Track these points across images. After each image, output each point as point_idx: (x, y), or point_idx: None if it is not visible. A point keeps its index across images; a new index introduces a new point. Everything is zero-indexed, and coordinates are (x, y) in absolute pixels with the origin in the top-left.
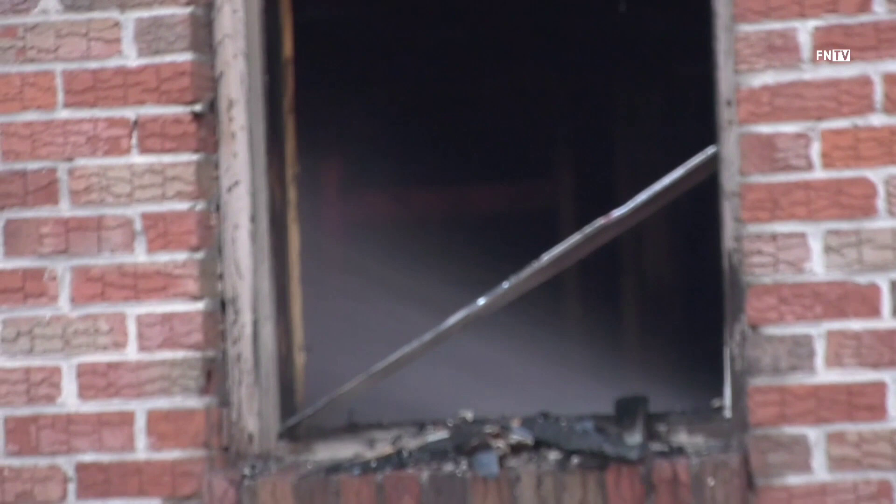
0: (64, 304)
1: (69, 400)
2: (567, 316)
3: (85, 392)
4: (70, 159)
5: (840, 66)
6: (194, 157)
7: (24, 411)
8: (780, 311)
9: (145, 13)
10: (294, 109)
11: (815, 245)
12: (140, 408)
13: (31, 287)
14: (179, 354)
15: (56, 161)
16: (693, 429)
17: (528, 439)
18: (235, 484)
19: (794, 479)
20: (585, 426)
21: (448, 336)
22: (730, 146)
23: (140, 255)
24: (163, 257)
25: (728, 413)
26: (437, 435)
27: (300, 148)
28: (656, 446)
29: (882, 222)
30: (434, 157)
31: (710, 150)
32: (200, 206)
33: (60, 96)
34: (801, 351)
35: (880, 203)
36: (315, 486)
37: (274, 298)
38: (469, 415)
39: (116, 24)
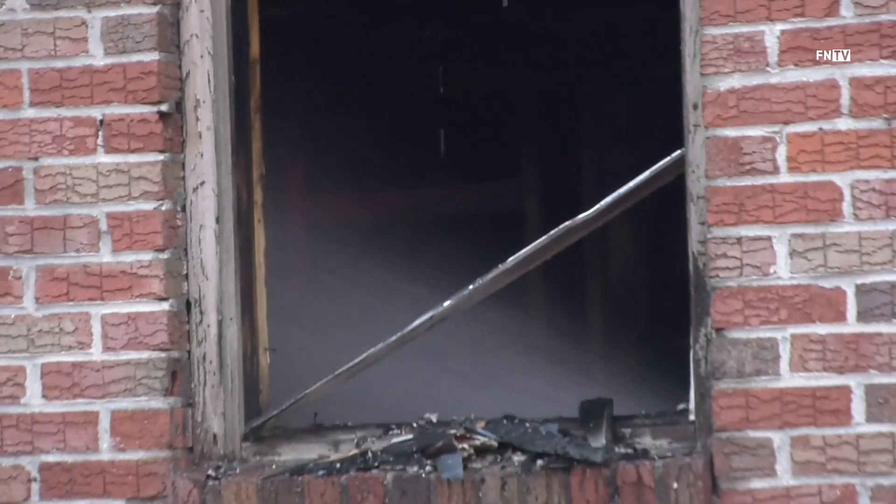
0: (28, 304)
1: (33, 400)
2: (532, 318)
3: (49, 392)
4: (36, 158)
5: (807, 69)
6: (160, 156)
7: None
8: (745, 315)
9: (112, 12)
10: (261, 109)
11: (781, 249)
12: (104, 408)
13: None
14: (144, 355)
15: (21, 160)
16: (658, 432)
17: (492, 441)
18: (200, 485)
19: (758, 483)
20: (550, 429)
21: (413, 337)
22: (696, 149)
23: (105, 255)
24: (128, 257)
25: (693, 416)
26: (401, 437)
27: (266, 148)
28: (621, 449)
29: (848, 226)
30: (400, 157)
31: (676, 153)
32: (166, 206)
33: (26, 95)
34: (765, 355)
35: (846, 207)
36: (279, 487)
37: (239, 299)
38: (434, 417)
39: (83, 23)
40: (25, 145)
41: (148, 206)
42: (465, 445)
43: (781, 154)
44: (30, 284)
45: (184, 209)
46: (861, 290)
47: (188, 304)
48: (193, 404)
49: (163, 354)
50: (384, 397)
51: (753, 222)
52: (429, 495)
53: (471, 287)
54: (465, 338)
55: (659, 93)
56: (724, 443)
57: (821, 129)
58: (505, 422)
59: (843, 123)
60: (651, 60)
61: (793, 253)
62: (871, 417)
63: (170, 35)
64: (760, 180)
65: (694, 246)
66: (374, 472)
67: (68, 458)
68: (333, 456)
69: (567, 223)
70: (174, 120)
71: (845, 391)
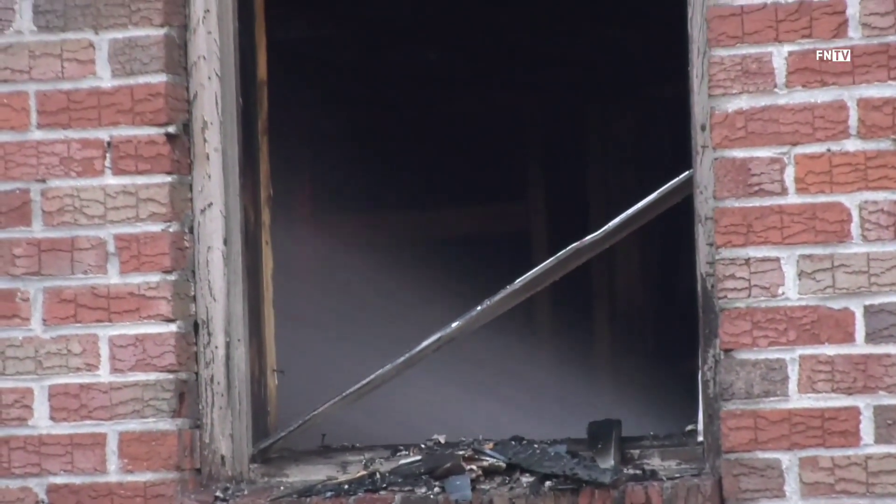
0: (36, 326)
1: (41, 422)
2: (540, 339)
3: (57, 414)
4: (43, 180)
5: (815, 90)
6: (168, 178)
7: None
8: (754, 336)
9: (119, 34)
10: (268, 131)
11: (789, 270)
12: (112, 430)
13: (2, 308)
14: (152, 376)
15: (29, 182)
16: (666, 453)
17: (501, 463)
18: None
19: None
20: (558, 450)
21: (421, 359)
22: (704, 170)
23: (113, 277)
24: (136, 279)
25: (701, 437)
26: (409, 458)
27: (274, 170)
28: (629, 470)
29: (856, 248)
30: (407, 179)
31: (684, 174)
32: (174, 227)
33: (34, 117)
34: (774, 376)
35: (854, 228)
36: None
37: (247, 321)
38: (442, 438)
39: (90, 45)
40: (33, 167)
41: (156, 227)
42: (474, 467)
43: (789, 175)
44: (37, 306)
45: (191, 231)
46: (869, 312)
47: (196, 326)
48: (201, 426)
49: (170, 376)
50: (392, 418)
51: (762, 243)
52: None
53: (478, 308)
54: (473, 359)
55: (666, 114)
56: (732, 464)
57: (829, 150)
58: (513, 443)
59: (852, 144)
60: (658, 82)
61: (801, 274)
62: (879, 438)
63: (177, 57)
64: (768, 201)
65: (702, 267)
66: (383, 493)
67: (76, 480)
68: (341, 477)
69: (574, 244)
70: (182, 142)
71: (854, 412)
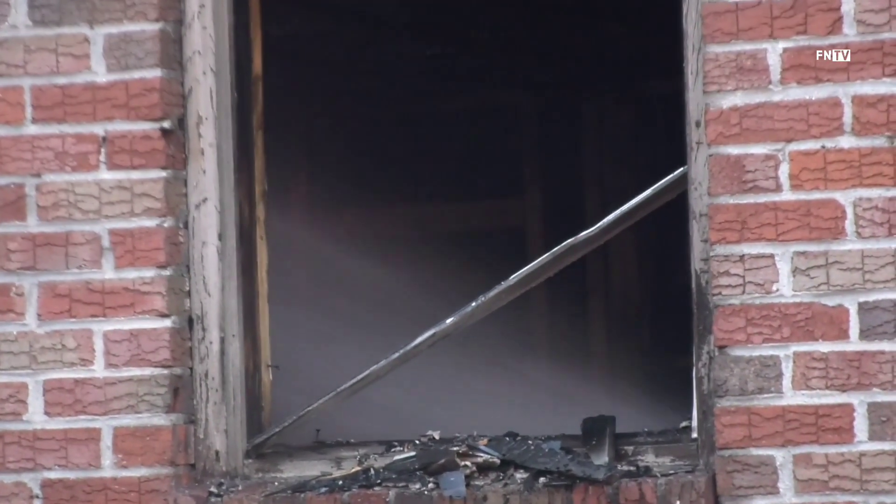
0: (31, 321)
1: (35, 416)
2: (534, 335)
3: (51, 409)
4: (38, 175)
5: (809, 87)
6: (163, 173)
7: None
8: (748, 333)
9: (115, 29)
10: (263, 126)
11: (783, 267)
12: (106, 425)
13: None
14: (146, 371)
15: (24, 176)
16: (660, 449)
17: (495, 459)
18: (202, 501)
19: (761, 502)
20: (552, 446)
21: (415, 354)
22: (698, 167)
23: (108, 272)
24: (130, 274)
25: (695, 434)
26: (404, 454)
27: (269, 165)
28: (623, 467)
29: (850, 244)
30: (402, 175)
31: (678, 171)
32: (169, 222)
33: (29, 111)
34: (768, 373)
35: (848, 225)
36: None
37: (241, 316)
38: (436, 434)
39: (86, 40)
40: (27, 162)
41: (150, 222)
42: (468, 463)
43: (784, 172)
44: (32, 301)
45: (186, 226)
46: (864, 308)
47: (190, 321)
48: (195, 421)
49: (165, 371)
50: (386, 414)
51: (756, 240)
52: None
53: (473, 304)
54: (467, 355)
55: (661, 110)
56: (726, 460)
57: (823, 146)
58: (507, 439)
59: (846, 141)
60: (654, 78)
61: (795, 271)
62: (873, 435)
63: (172, 52)
64: (763, 198)
65: (696, 264)
66: (377, 489)
67: (70, 475)
68: (336, 473)
69: (570, 240)
70: (176, 137)
71: (848, 409)
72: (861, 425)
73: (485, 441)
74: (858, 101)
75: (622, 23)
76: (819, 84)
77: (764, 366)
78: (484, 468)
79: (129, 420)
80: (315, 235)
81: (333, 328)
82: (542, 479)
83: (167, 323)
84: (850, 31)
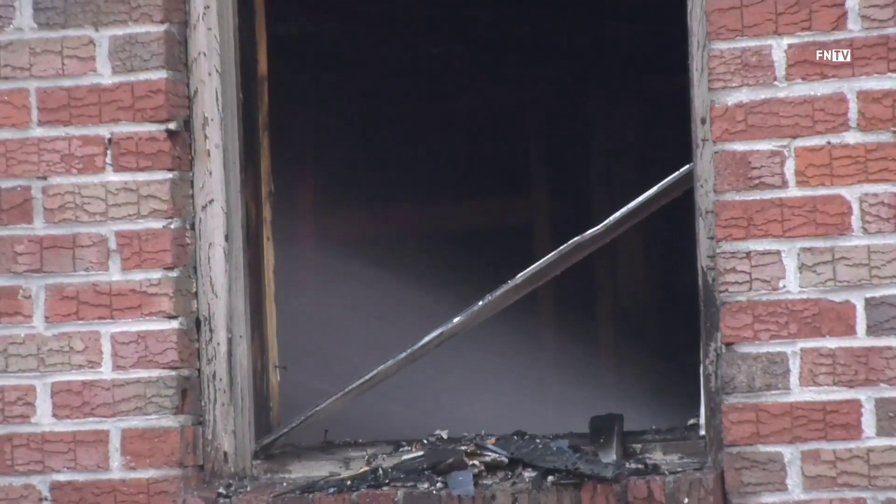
0: (38, 323)
1: (44, 419)
2: (542, 333)
3: (59, 411)
4: (44, 177)
5: (815, 83)
6: (169, 175)
7: None
8: (755, 330)
9: (120, 31)
10: (269, 127)
11: (790, 263)
12: (115, 427)
13: (4, 305)
14: (154, 373)
15: (30, 179)
16: (668, 447)
17: (503, 457)
18: (211, 503)
19: (769, 498)
20: (560, 444)
21: (423, 354)
22: (704, 163)
23: (115, 274)
24: (137, 276)
25: (703, 431)
26: (412, 453)
27: (275, 165)
28: (631, 464)
29: (857, 240)
30: (409, 173)
31: (684, 168)
32: (175, 224)
33: (34, 114)
34: (775, 369)
35: (855, 221)
36: None
37: (249, 317)
38: (444, 433)
39: (91, 42)
40: (34, 164)
41: (157, 224)
42: (476, 462)
43: (790, 168)
44: (39, 303)
45: (193, 227)
46: (871, 304)
47: (198, 322)
48: (204, 422)
49: (173, 373)
50: (394, 414)
51: (762, 236)
52: None
53: (480, 303)
54: (475, 354)
55: (667, 107)
56: (734, 457)
57: (829, 142)
58: (515, 438)
59: (852, 137)
60: (659, 75)
61: (802, 267)
62: (881, 431)
63: (177, 53)
64: (769, 194)
65: (703, 261)
66: (385, 489)
67: (79, 478)
68: (344, 473)
69: (576, 238)
70: (182, 138)
71: (855, 405)
72: (869, 421)
73: (493, 440)
74: (864, 96)
75: (628, 20)
76: (824, 80)
77: (771, 362)
78: (492, 467)
79: (137, 422)
80: (321, 235)
81: (340, 328)
82: (550, 478)
83: (174, 324)
84: (854, 27)
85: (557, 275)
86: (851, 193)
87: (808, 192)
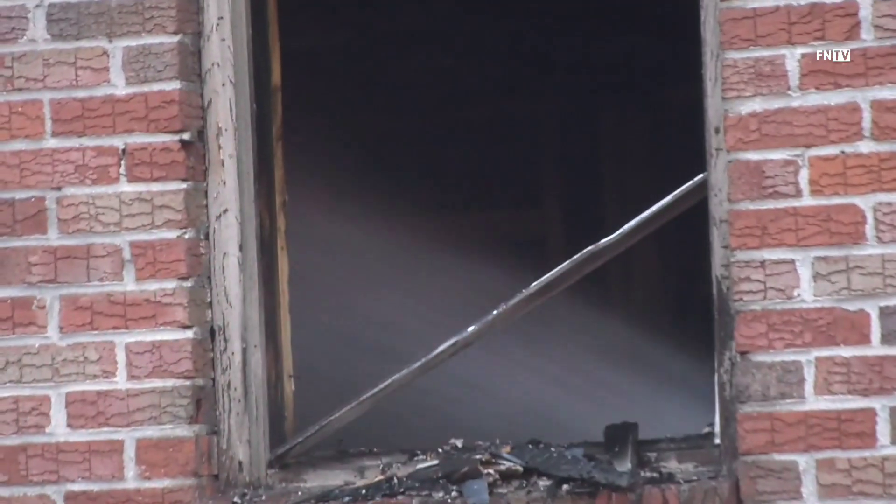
0: (53, 333)
1: (58, 429)
2: (556, 344)
3: (74, 421)
4: (58, 188)
5: (828, 93)
6: (183, 185)
7: (13, 441)
8: (770, 338)
9: (133, 42)
10: (282, 137)
11: (804, 272)
12: (129, 436)
13: (19, 316)
14: (169, 383)
15: (44, 190)
16: (683, 455)
17: (518, 466)
18: None
19: None
20: (575, 453)
21: (437, 363)
22: (718, 173)
23: (129, 284)
24: (152, 286)
25: (718, 440)
26: (427, 462)
27: (289, 176)
28: (646, 473)
29: (871, 249)
30: (422, 185)
31: (698, 177)
32: (189, 234)
33: (48, 125)
34: (790, 378)
35: (869, 230)
36: None
37: (263, 326)
38: (459, 442)
39: (104, 53)
40: (48, 175)
41: (171, 234)
42: (491, 471)
43: (804, 177)
44: (54, 314)
45: (207, 237)
46: (885, 313)
47: (212, 332)
48: (218, 432)
49: (187, 382)
50: (409, 423)
51: (776, 245)
52: None
53: (494, 312)
54: (490, 363)
55: (680, 117)
56: (749, 466)
57: (843, 151)
58: (530, 447)
59: (865, 146)
60: (672, 85)
61: (816, 276)
62: None
63: (191, 64)
64: (783, 203)
65: (717, 270)
66: (400, 498)
67: (94, 487)
68: (359, 482)
69: (590, 248)
70: (196, 148)
71: (870, 414)
72: (883, 430)
73: (508, 449)
74: (877, 105)
75: (640, 31)
76: (838, 89)
77: (786, 371)
78: (507, 476)
79: (151, 431)
80: (335, 244)
81: (354, 337)
82: (565, 487)
83: (189, 334)
84: (867, 37)
85: (571, 284)
86: (865, 202)
87: (822, 202)
